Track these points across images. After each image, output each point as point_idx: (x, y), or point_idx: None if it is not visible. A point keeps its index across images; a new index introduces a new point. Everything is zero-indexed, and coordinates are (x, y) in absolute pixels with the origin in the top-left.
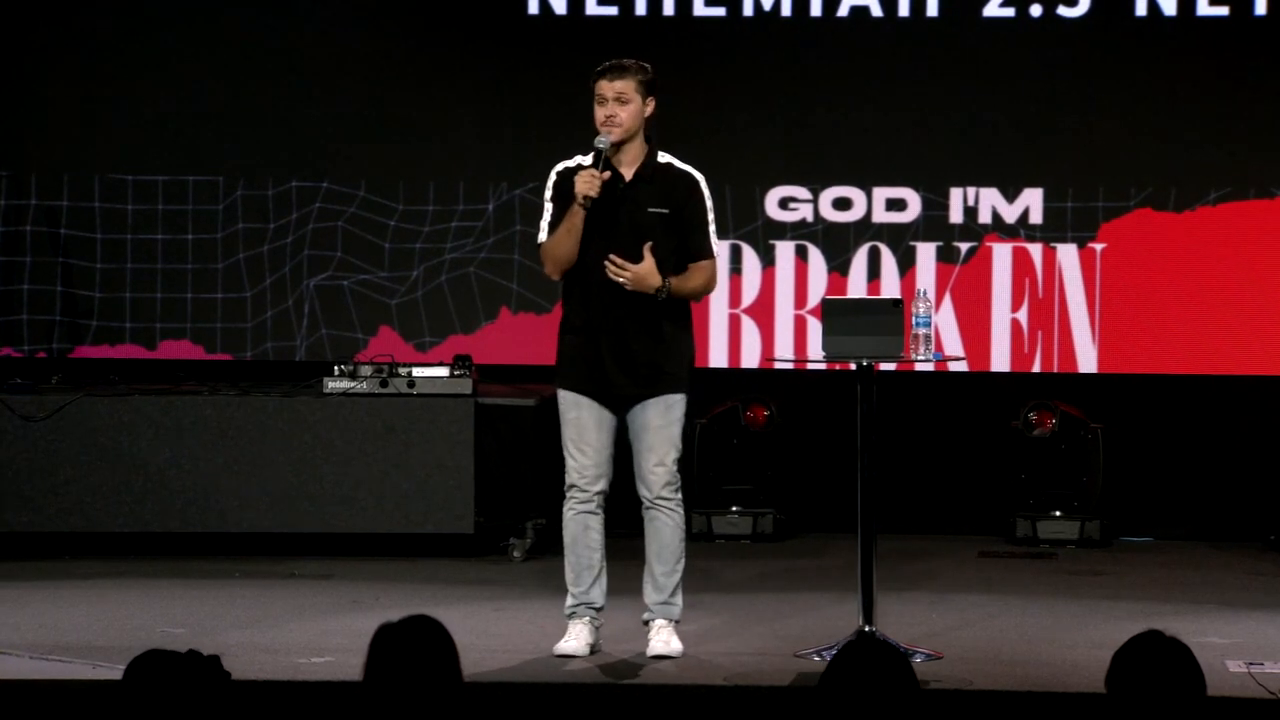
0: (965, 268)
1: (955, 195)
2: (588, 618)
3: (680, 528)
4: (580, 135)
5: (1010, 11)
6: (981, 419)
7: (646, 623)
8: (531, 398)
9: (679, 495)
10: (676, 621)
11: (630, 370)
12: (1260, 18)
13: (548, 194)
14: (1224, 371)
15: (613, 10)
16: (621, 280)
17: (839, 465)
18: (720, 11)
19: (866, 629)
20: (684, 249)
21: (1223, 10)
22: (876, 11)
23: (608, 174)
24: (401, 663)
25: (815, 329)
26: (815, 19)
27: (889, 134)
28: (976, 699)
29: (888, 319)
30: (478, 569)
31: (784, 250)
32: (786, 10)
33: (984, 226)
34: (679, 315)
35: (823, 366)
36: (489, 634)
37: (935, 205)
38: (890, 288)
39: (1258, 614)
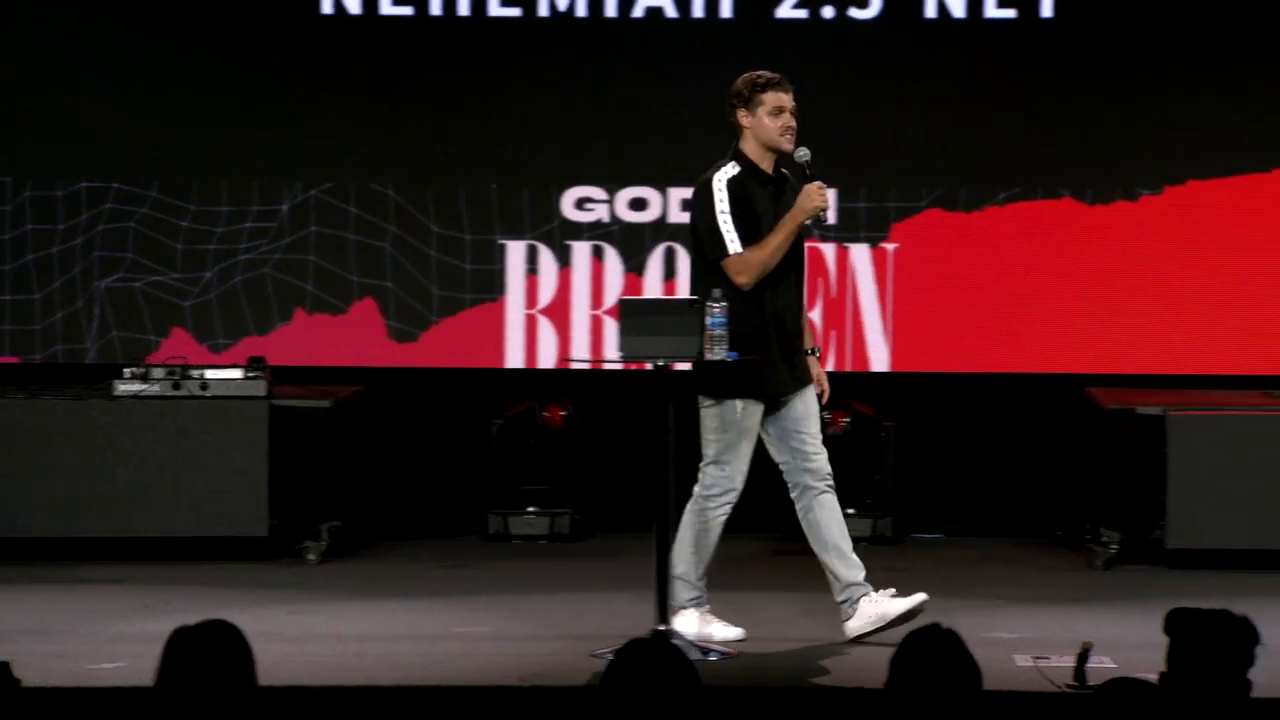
0: None
1: None
2: None
3: (689, 525)
4: (376, 135)
5: (803, 13)
6: None
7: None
8: (327, 399)
9: (700, 494)
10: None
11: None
12: (1047, 20)
13: (723, 207)
14: (1013, 370)
15: (408, 10)
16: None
17: (636, 465)
18: (516, 12)
19: (661, 628)
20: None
21: (1010, 12)
22: (671, 13)
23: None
24: (196, 667)
25: (612, 329)
26: (610, 19)
27: (684, 135)
28: (768, 695)
29: (684, 319)
30: (272, 572)
31: (580, 250)
32: (582, 11)
33: None
34: None
35: (620, 367)
36: (284, 637)
37: None
38: (686, 288)
39: (1044, 609)
